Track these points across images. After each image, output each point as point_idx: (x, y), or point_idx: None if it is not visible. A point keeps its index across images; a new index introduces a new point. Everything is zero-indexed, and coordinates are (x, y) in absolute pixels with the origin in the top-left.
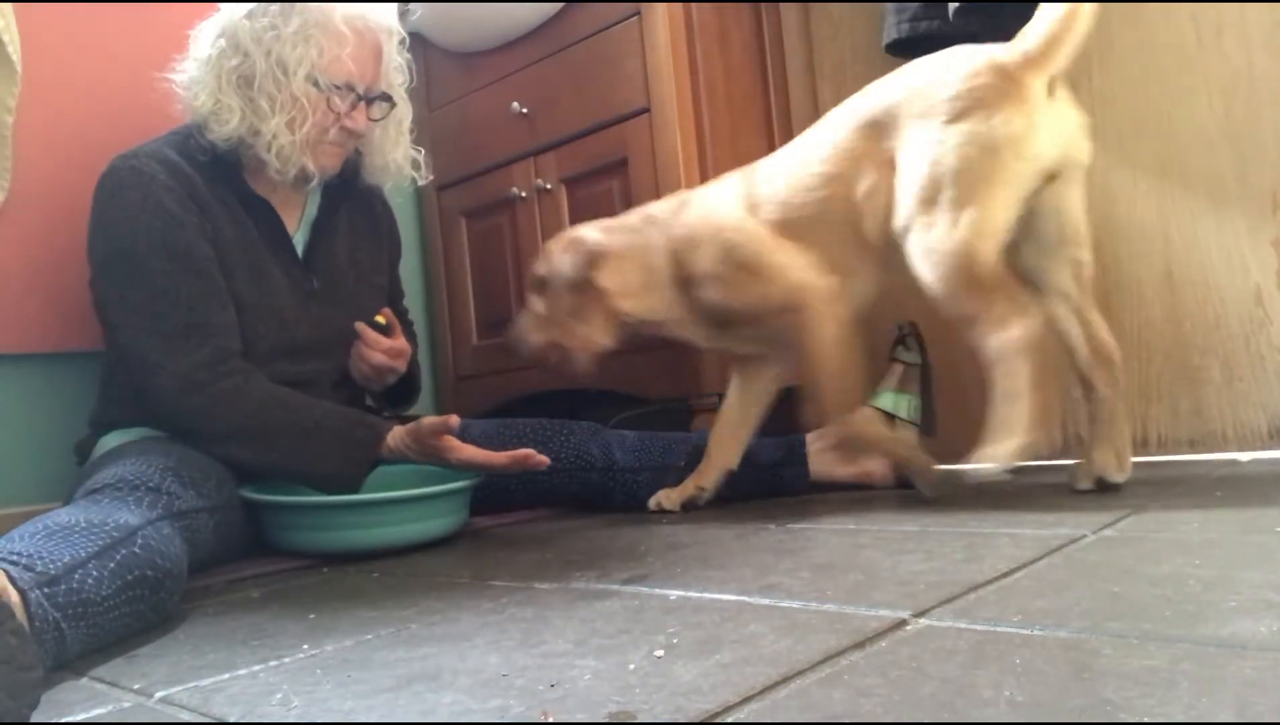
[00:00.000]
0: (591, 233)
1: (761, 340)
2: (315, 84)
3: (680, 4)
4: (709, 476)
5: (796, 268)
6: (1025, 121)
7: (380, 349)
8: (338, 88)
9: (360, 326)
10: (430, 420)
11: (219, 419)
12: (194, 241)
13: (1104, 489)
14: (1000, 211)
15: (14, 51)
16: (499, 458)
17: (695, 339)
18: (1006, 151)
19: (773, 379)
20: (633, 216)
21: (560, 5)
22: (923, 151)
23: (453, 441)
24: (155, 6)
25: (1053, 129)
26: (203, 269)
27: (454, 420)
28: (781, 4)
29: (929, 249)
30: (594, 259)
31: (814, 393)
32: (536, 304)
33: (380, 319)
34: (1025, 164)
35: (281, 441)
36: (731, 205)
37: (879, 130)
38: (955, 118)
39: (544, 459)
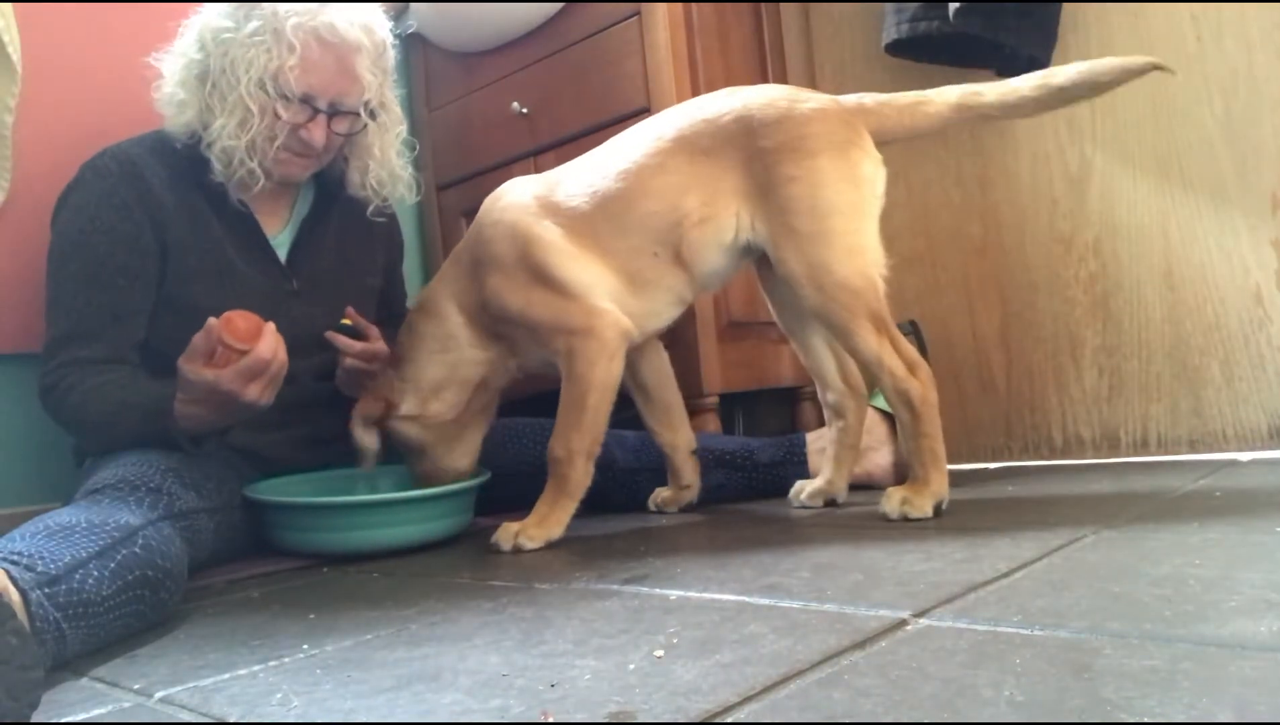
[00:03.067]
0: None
1: (530, 349)
2: (264, 89)
3: (680, 4)
4: (684, 472)
5: (597, 290)
6: (873, 163)
7: (352, 354)
8: (288, 97)
9: (330, 335)
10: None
11: (68, 416)
12: (112, 251)
13: (829, 507)
14: (877, 242)
15: (14, 51)
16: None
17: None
18: (867, 187)
19: (651, 350)
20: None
21: (560, 5)
22: (796, 189)
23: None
24: (157, 6)
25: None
26: (108, 281)
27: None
28: (781, 4)
29: (830, 282)
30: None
31: (565, 423)
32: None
33: (346, 321)
34: (878, 202)
35: (110, 428)
36: (525, 199)
37: (711, 156)
38: (815, 154)
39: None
